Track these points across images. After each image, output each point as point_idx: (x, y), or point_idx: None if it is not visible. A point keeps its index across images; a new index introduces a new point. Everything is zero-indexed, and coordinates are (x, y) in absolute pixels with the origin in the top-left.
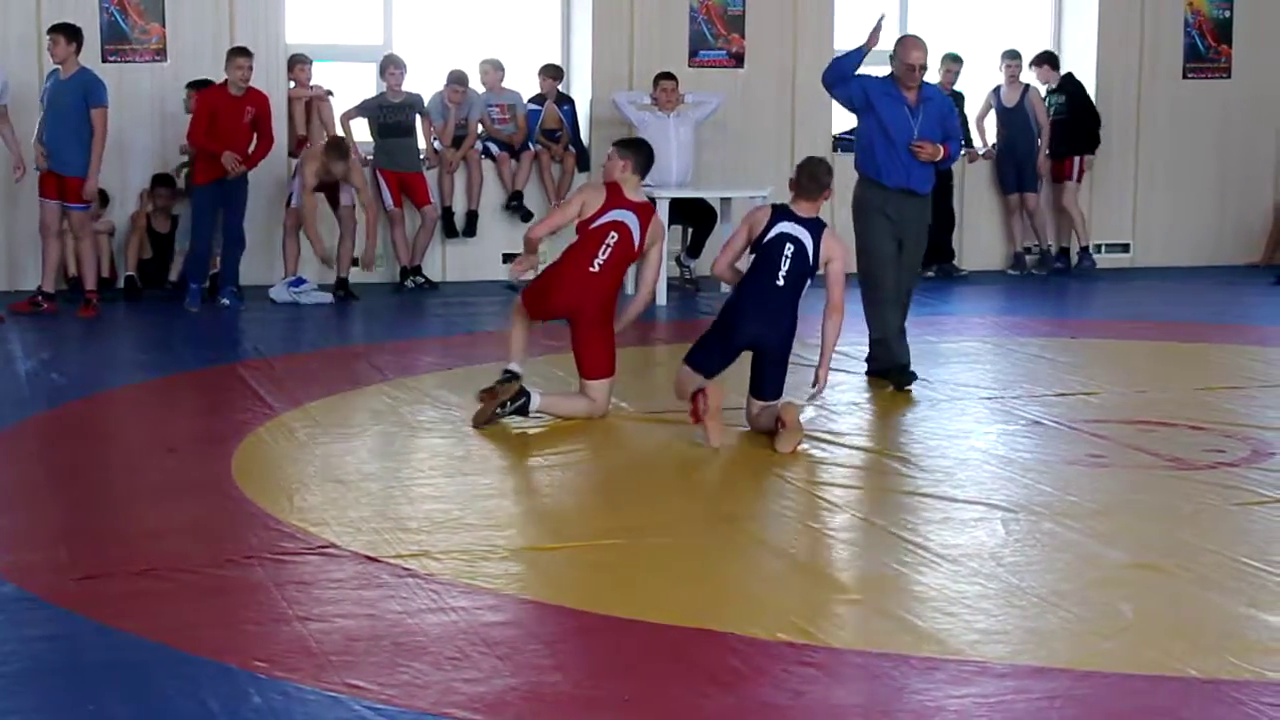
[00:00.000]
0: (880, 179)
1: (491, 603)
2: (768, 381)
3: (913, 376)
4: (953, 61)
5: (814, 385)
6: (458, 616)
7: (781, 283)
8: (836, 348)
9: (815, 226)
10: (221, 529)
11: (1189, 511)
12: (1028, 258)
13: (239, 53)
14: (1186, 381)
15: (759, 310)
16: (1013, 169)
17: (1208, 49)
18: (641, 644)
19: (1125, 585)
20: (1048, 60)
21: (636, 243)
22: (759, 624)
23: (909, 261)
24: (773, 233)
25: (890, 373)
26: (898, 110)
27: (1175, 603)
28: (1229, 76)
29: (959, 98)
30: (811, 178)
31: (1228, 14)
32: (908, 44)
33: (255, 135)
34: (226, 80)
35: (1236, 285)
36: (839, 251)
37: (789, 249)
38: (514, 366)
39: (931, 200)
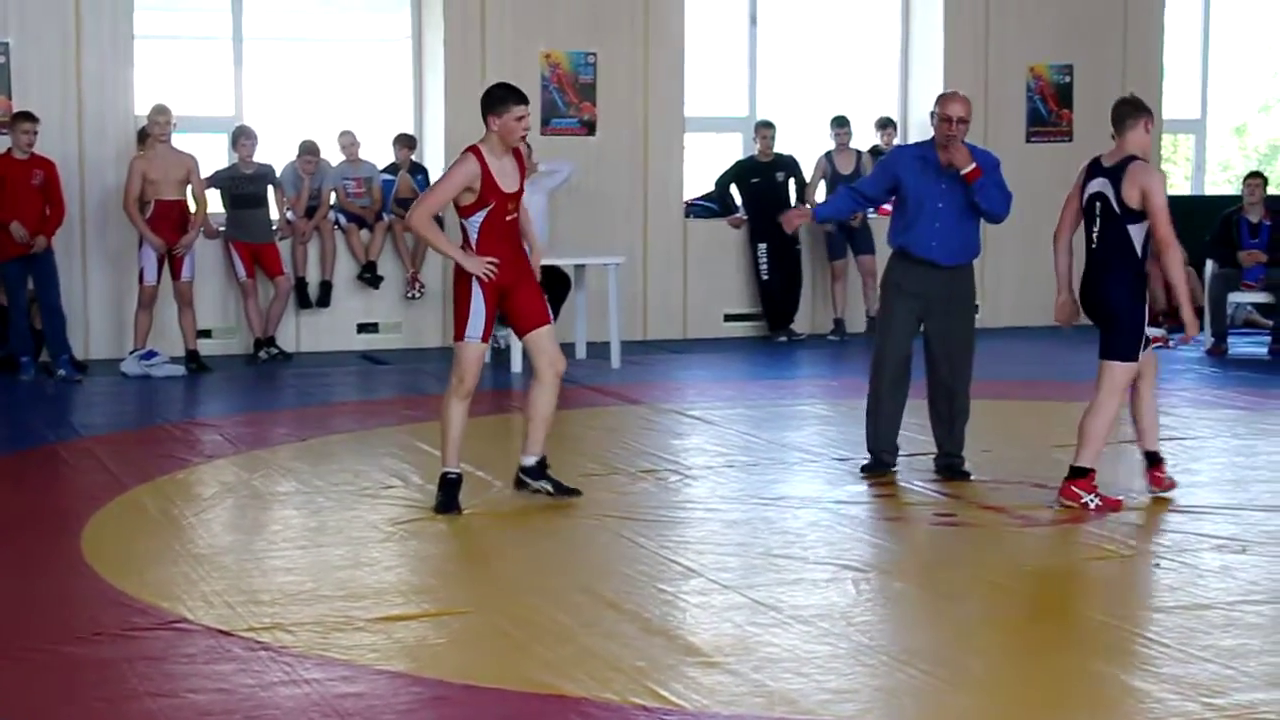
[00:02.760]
0: (907, 248)
1: (345, 674)
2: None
3: (965, 475)
4: (765, 128)
5: (1184, 331)
6: (311, 689)
7: (1094, 244)
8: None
9: (1118, 170)
10: (71, 606)
11: (1035, 568)
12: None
13: (24, 117)
14: (1034, 439)
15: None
16: (843, 235)
17: (1050, 113)
18: (497, 711)
19: (974, 642)
20: (891, 124)
21: None
22: (613, 689)
23: (943, 343)
24: (1086, 192)
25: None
26: (924, 173)
27: (1021, 658)
28: (1071, 140)
29: (789, 162)
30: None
31: (1068, 79)
32: (947, 98)
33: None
34: (10, 148)
35: (1084, 343)
36: (1147, 182)
37: (1097, 206)
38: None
39: (967, 276)
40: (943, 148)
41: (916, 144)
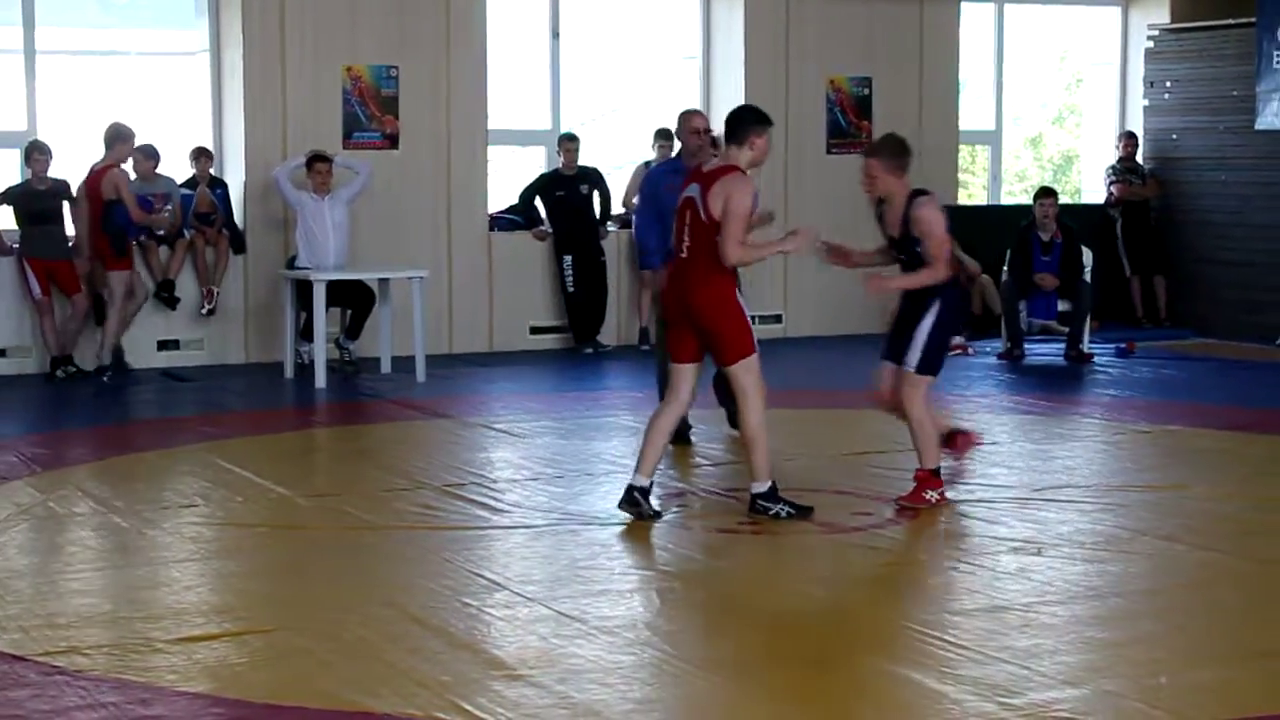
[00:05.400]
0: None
1: (143, 696)
2: None
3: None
4: (569, 141)
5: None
6: (108, 712)
7: None
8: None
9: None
10: None
11: (835, 573)
12: None
13: None
14: (835, 447)
15: None
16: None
17: (849, 125)
18: None
19: (774, 648)
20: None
21: (703, 212)
22: (417, 704)
23: None
24: None
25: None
26: (679, 187)
27: (825, 664)
28: None
29: (593, 175)
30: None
31: (867, 92)
32: (688, 114)
33: None
34: None
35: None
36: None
37: None
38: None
39: None
40: (693, 155)
41: (667, 161)
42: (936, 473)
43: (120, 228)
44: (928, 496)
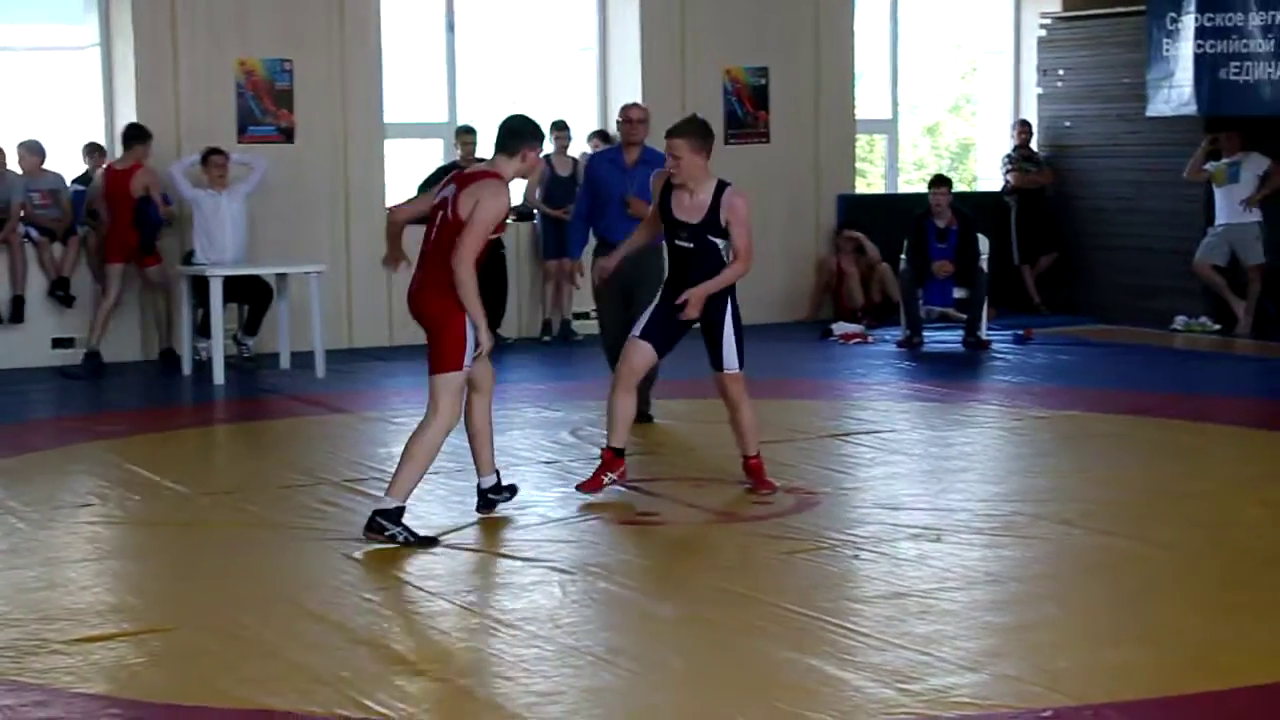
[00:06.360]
0: (604, 235)
1: (39, 698)
2: None
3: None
4: (466, 134)
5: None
6: (3, 716)
7: None
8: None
9: None
10: None
11: (737, 563)
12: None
13: None
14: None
15: None
16: (554, 235)
17: (747, 114)
18: None
19: (676, 638)
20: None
21: (451, 211)
22: (317, 701)
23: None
24: None
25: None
26: (613, 172)
27: (723, 652)
28: (768, 140)
29: None
30: None
31: (764, 81)
32: (627, 107)
33: None
34: None
35: (786, 341)
36: None
37: None
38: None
39: (655, 254)
40: (630, 145)
41: (607, 149)
42: (758, 454)
43: (154, 224)
44: (770, 480)
